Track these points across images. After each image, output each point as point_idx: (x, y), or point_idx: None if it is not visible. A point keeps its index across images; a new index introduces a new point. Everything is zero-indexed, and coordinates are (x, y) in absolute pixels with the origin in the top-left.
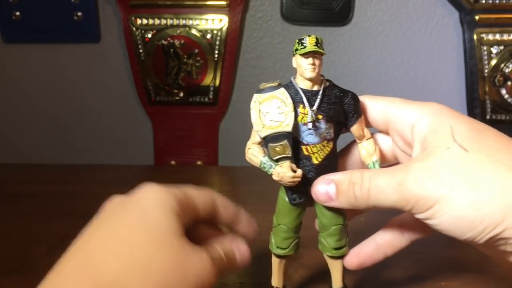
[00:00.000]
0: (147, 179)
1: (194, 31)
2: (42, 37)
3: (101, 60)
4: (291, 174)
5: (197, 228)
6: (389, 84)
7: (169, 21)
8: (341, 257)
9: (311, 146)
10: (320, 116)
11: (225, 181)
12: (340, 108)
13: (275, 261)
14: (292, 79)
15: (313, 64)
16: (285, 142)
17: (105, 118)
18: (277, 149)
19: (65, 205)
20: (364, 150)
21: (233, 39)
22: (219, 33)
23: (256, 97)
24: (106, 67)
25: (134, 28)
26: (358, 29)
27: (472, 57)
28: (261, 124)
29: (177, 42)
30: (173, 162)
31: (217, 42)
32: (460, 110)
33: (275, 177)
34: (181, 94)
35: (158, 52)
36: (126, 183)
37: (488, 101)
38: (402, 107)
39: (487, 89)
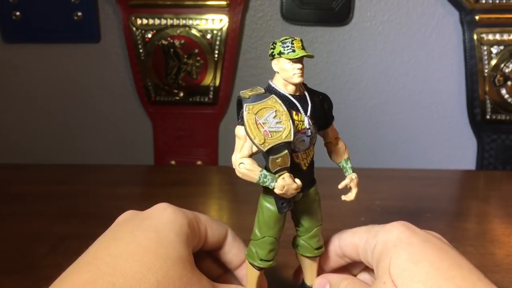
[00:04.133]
0: (147, 179)
1: (194, 31)
2: (42, 37)
3: (101, 60)
4: (296, 185)
5: (202, 260)
6: (389, 84)
7: (169, 21)
8: (319, 255)
9: (301, 152)
10: (312, 122)
11: (225, 181)
12: (323, 112)
13: (254, 273)
14: (271, 83)
15: (302, 69)
16: (285, 152)
17: (105, 118)
18: (277, 160)
19: (65, 205)
20: (336, 149)
21: (233, 39)
22: (219, 33)
23: (247, 108)
24: (106, 67)
25: (134, 28)
26: (358, 29)
27: (472, 57)
28: (262, 136)
29: (177, 42)
30: (173, 162)
31: (217, 42)
32: (460, 110)
33: (278, 191)
34: (181, 94)
35: (158, 52)
36: (126, 183)
37: (488, 101)
38: (364, 237)
39: (487, 89)
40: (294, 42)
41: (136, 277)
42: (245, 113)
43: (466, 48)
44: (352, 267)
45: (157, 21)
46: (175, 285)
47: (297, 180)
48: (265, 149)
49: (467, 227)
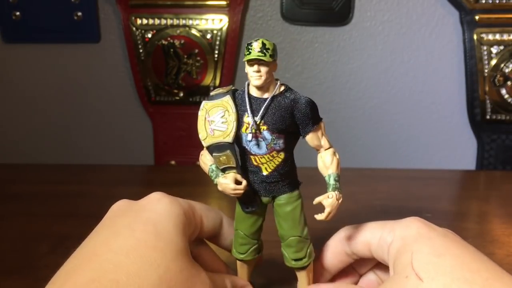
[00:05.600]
0: (147, 179)
1: (194, 31)
2: (42, 37)
3: (101, 60)
4: (233, 186)
5: (199, 248)
6: (389, 84)
7: (169, 21)
8: (303, 268)
9: (258, 156)
10: (264, 127)
11: None
12: (290, 117)
13: (238, 263)
14: (246, 84)
15: (258, 71)
16: (228, 152)
17: (105, 118)
18: (221, 159)
19: (65, 205)
20: (321, 161)
21: (233, 39)
22: (219, 33)
23: (203, 104)
24: (106, 67)
25: (134, 28)
26: (358, 29)
27: (472, 57)
28: (205, 133)
29: (177, 42)
30: (173, 162)
31: (217, 42)
32: (460, 110)
33: (218, 188)
34: (181, 94)
35: (158, 52)
36: (126, 183)
37: (488, 101)
38: (378, 233)
39: (487, 89)
40: (255, 44)
41: (138, 274)
42: (199, 110)
43: (466, 48)
44: (359, 266)
45: (157, 21)
46: (177, 279)
47: (244, 183)
48: (205, 145)
49: (467, 227)
